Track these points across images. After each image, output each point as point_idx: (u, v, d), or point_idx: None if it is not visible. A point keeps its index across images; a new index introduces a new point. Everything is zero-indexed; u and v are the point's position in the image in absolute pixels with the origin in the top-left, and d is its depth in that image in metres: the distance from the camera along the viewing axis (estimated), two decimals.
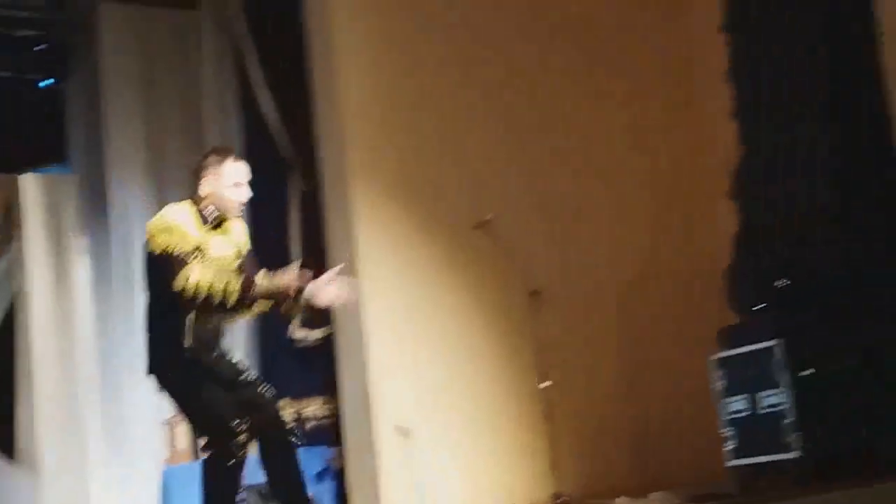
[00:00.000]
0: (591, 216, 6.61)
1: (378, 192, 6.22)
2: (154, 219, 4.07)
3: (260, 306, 4.08)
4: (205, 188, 4.11)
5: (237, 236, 4.22)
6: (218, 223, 4.13)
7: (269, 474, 4.12)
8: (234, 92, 7.10)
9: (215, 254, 4.04)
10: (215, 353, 4.08)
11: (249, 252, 4.25)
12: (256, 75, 6.77)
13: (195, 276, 3.87)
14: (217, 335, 4.09)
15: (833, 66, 5.26)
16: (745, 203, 5.56)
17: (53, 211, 7.33)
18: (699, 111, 6.77)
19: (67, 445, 6.99)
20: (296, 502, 4.10)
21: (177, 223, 3.98)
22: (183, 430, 6.38)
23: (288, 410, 6.64)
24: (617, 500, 4.84)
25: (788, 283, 5.12)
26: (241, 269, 4.10)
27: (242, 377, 4.10)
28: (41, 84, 7.44)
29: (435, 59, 6.43)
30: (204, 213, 4.09)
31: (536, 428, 5.33)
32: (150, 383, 6.72)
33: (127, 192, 7.02)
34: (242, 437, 3.90)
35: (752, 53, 5.59)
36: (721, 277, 5.54)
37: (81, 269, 7.20)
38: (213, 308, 3.93)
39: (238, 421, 3.90)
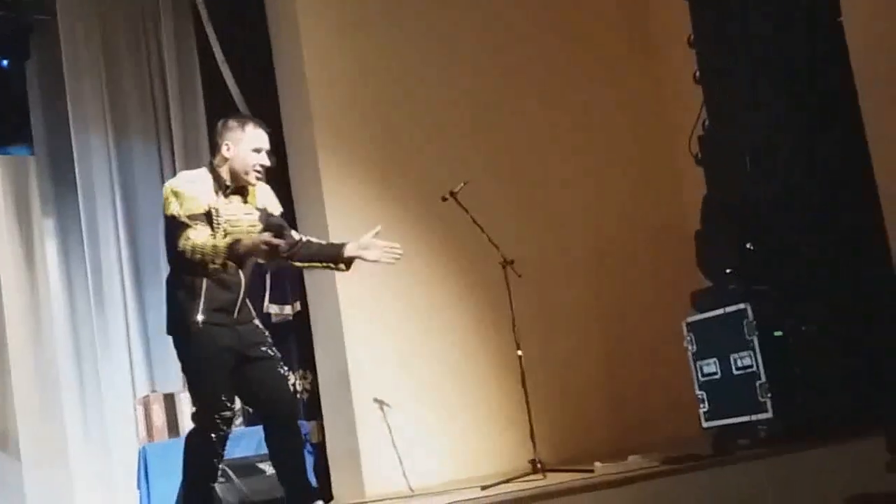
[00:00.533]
0: (561, 184, 6.65)
1: (346, 166, 6.21)
2: (167, 183, 4.16)
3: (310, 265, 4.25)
4: (224, 154, 4.12)
5: (261, 201, 4.23)
6: (238, 189, 4.13)
7: (271, 454, 4.23)
8: (198, 69, 7.02)
9: (231, 218, 4.07)
10: (233, 321, 4.08)
11: (280, 215, 4.30)
12: (219, 53, 6.70)
13: (192, 238, 3.95)
14: (235, 302, 4.08)
15: (798, 30, 5.30)
16: (712, 167, 5.61)
17: (18, 193, 7.23)
18: (665, 77, 6.81)
19: (45, 427, 6.96)
20: (296, 482, 4.15)
21: (184, 188, 4.04)
22: (159, 408, 6.37)
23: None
24: (595, 464, 4.91)
25: (757, 246, 5.19)
26: (273, 232, 4.12)
27: (260, 351, 4.10)
28: (1, 64, 7.30)
29: (402, 31, 6.41)
30: (221, 178, 4.10)
31: (514, 397, 5.38)
32: (123, 362, 6.79)
33: (92, 172, 6.93)
34: (227, 414, 3.97)
35: (716, 18, 5.61)
36: (693, 241, 5.60)
37: (49, 250, 7.13)
38: (208, 267, 3.98)
39: (227, 397, 3.96)
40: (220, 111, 6.91)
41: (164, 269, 7.04)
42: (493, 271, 5.44)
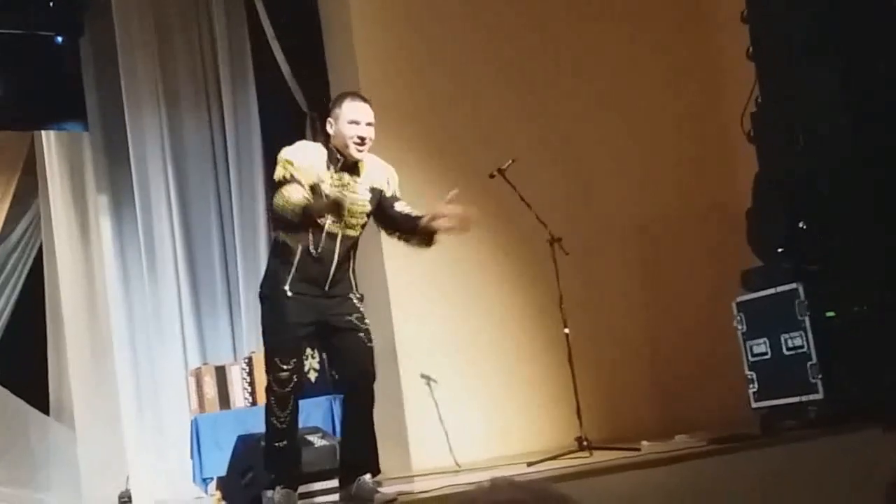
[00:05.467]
0: (610, 162, 6.60)
1: (394, 144, 6.21)
2: (283, 150, 4.20)
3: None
4: (329, 130, 4.22)
5: (375, 180, 4.26)
6: (350, 166, 4.17)
7: (343, 425, 4.38)
8: (249, 46, 7.07)
9: (332, 193, 4.10)
10: (323, 293, 4.14)
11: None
12: (269, 29, 6.74)
13: (286, 194, 4.01)
14: (326, 275, 4.14)
15: (853, 5, 5.19)
16: (765, 145, 5.53)
17: (73, 168, 7.37)
18: (717, 53, 6.71)
19: (99, 398, 7.12)
20: (359, 457, 4.24)
21: (296, 157, 4.11)
22: (211, 380, 6.48)
23: (313, 360, 6.75)
24: (642, 443, 4.90)
25: (810, 225, 5.11)
26: (389, 212, 4.22)
27: (344, 321, 4.16)
28: (57, 41, 7.42)
29: (448, 9, 6.38)
30: (332, 153, 4.17)
31: (561, 374, 5.38)
32: (176, 335, 6.90)
33: (145, 148, 7.03)
34: (284, 375, 4.06)
35: None
36: (744, 220, 5.54)
37: (103, 225, 7.26)
38: (305, 239, 4.05)
39: (286, 360, 4.04)
40: (270, 88, 7.00)
41: (216, 245, 7.22)
42: (540, 248, 5.43)
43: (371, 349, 4.23)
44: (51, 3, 7.25)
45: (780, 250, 5.20)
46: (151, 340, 7.03)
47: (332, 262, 4.15)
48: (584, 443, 5.00)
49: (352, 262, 4.27)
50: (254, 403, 6.41)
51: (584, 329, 5.71)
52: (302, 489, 5.05)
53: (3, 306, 7.33)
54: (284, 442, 4.16)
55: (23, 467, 6.97)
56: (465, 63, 6.37)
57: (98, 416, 7.11)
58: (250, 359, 6.53)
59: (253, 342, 6.84)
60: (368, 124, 4.20)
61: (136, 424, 6.95)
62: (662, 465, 4.19)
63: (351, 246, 4.24)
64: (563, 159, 6.49)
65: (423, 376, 5.97)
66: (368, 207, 4.25)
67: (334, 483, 5.36)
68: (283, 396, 4.09)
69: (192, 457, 6.18)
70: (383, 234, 6.06)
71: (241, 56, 7.11)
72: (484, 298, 6.20)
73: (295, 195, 4.00)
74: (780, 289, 5.06)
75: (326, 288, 4.16)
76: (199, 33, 7.20)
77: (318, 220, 4.07)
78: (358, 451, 4.27)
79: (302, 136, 7.10)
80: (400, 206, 4.32)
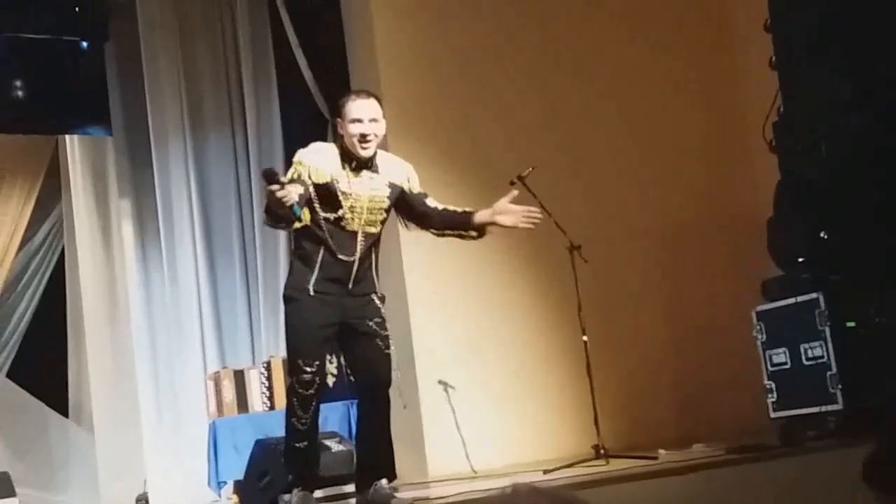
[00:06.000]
0: (629, 169, 6.60)
1: (414, 149, 6.23)
2: (298, 152, 4.22)
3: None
4: (340, 130, 4.22)
5: (394, 176, 4.25)
6: (365, 164, 4.17)
7: (358, 429, 4.37)
8: (272, 52, 7.11)
9: (349, 191, 4.11)
10: (346, 293, 4.13)
11: (420, 194, 4.28)
12: (292, 33, 6.78)
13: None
14: (349, 274, 4.13)
15: (877, 15, 5.17)
16: (786, 155, 5.50)
17: (96, 173, 7.43)
18: (738, 61, 6.69)
19: (118, 401, 7.17)
20: (374, 462, 4.24)
21: (308, 158, 4.13)
22: (229, 384, 6.51)
23: (331, 365, 6.76)
24: (659, 451, 4.87)
25: (831, 234, 5.08)
26: (420, 208, 4.23)
27: (366, 325, 4.15)
28: (82, 46, 7.49)
29: (469, 15, 6.40)
30: (345, 153, 4.17)
31: (578, 381, 5.37)
32: (195, 338, 6.93)
33: (168, 153, 7.08)
34: (307, 377, 4.05)
35: (793, 2, 5.50)
36: (764, 229, 5.52)
37: (125, 229, 7.31)
38: (327, 239, 4.06)
39: (309, 362, 4.04)
40: (293, 93, 7.04)
41: (237, 250, 7.26)
42: (559, 256, 5.42)
43: (389, 356, 4.22)
44: (76, 9, 7.32)
45: (800, 260, 5.18)
46: (171, 344, 7.06)
47: (353, 260, 4.15)
48: (601, 451, 4.98)
49: (374, 259, 4.26)
50: (272, 408, 6.43)
51: (602, 337, 5.69)
52: (318, 494, 5.07)
53: (24, 309, 7.40)
54: (305, 443, 4.17)
55: (42, 469, 7.03)
56: (486, 69, 6.39)
57: (117, 419, 7.15)
58: (269, 363, 6.55)
59: (272, 347, 6.87)
60: (372, 120, 4.17)
61: (155, 427, 6.98)
62: (680, 475, 4.16)
63: (372, 243, 4.23)
64: (583, 167, 6.49)
65: (440, 382, 5.98)
66: (387, 203, 4.24)
67: (351, 488, 5.38)
68: (305, 398, 4.09)
69: (208, 460, 6.20)
70: (402, 239, 6.13)
71: (264, 61, 7.15)
72: (502, 305, 6.20)
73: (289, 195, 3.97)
74: (800, 298, 5.03)
75: (350, 286, 4.15)
76: (223, 39, 7.25)
77: (291, 216, 3.98)
78: (373, 456, 4.27)
79: (323, 141, 7.16)
80: (432, 202, 4.33)
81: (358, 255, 4.16)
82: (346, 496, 4.94)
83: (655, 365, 6.37)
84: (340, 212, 4.12)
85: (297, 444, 4.17)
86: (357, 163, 4.18)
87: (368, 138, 4.15)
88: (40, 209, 7.46)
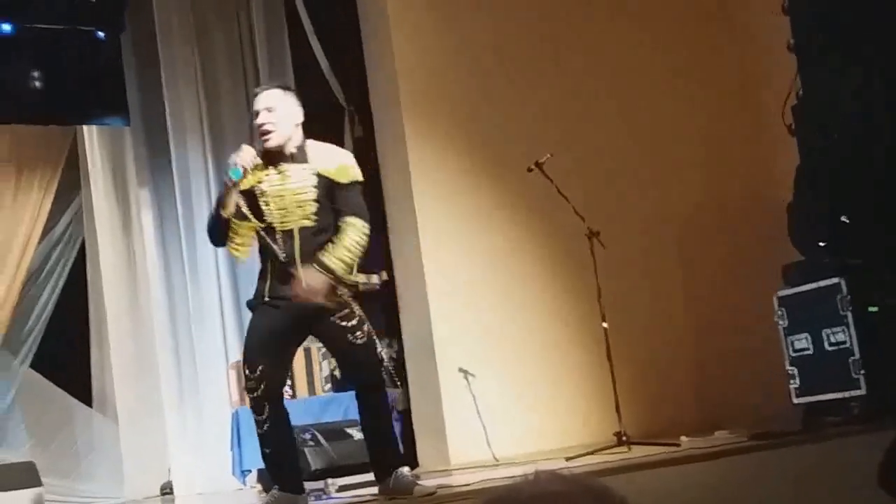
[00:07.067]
0: (646, 155, 6.57)
1: (432, 136, 6.24)
2: None
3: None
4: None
5: (321, 165, 4.09)
6: (290, 156, 4.06)
7: (361, 426, 4.40)
8: (287, 40, 7.11)
9: (268, 189, 4.06)
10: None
11: (353, 183, 4.12)
12: (307, 22, 6.78)
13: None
14: (298, 273, 4.06)
15: None
16: (806, 139, 5.47)
17: (115, 163, 7.46)
18: (756, 44, 6.64)
19: (141, 390, 7.22)
20: (376, 448, 4.25)
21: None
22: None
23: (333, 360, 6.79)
24: (681, 438, 4.87)
25: (852, 219, 5.05)
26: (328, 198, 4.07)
27: (328, 321, 4.08)
28: (98, 36, 7.50)
29: (488, 5, 6.38)
30: (264, 152, 4.10)
31: (599, 368, 5.37)
32: (216, 328, 6.96)
33: (186, 143, 7.10)
34: (250, 384, 4.05)
35: None
36: (784, 214, 5.49)
37: (145, 219, 7.35)
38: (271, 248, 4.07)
39: (252, 367, 4.03)
40: (308, 81, 7.03)
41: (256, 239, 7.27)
42: (577, 242, 5.41)
43: (363, 345, 4.12)
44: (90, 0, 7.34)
45: (821, 244, 5.15)
46: (192, 333, 7.10)
47: (298, 260, 4.03)
48: (623, 438, 4.99)
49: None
50: (293, 396, 6.47)
51: (622, 323, 5.68)
52: (344, 481, 5.11)
53: (46, 300, 7.44)
54: (268, 449, 4.13)
55: (67, 458, 7.10)
56: (502, 53, 6.36)
57: (140, 408, 7.21)
58: None
59: None
60: (267, 110, 4.06)
61: (178, 417, 7.03)
62: (702, 461, 4.16)
63: (314, 234, 4.07)
64: (601, 152, 6.46)
65: (460, 370, 5.99)
66: (312, 193, 4.07)
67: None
68: (254, 401, 4.07)
69: (231, 449, 6.25)
70: (420, 226, 6.13)
71: (280, 49, 7.15)
72: (521, 292, 6.20)
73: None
74: (822, 283, 5.01)
75: (304, 286, 4.02)
76: (238, 28, 7.25)
77: (231, 216, 4.05)
78: (377, 448, 4.26)
79: (339, 131, 7.16)
80: (349, 219, 4.08)
81: (300, 254, 4.03)
82: (369, 484, 4.96)
83: (676, 351, 6.36)
84: (267, 215, 4.05)
85: (263, 449, 4.16)
86: (273, 157, 4.05)
87: (264, 128, 4.05)
88: (60, 200, 7.50)
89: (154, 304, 7.21)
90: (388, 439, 4.31)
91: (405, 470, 4.24)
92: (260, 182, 4.06)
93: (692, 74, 6.68)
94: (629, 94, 6.56)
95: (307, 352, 6.65)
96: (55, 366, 7.26)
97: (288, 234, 4.06)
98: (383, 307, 6.59)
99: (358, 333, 4.12)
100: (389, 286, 6.52)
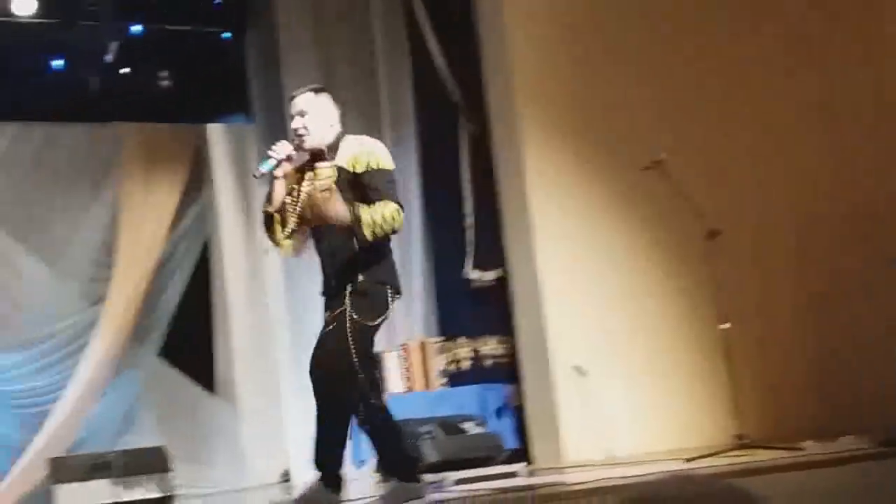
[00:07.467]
0: (765, 154, 6.45)
1: (548, 134, 6.25)
2: None
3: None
4: None
5: (342, 159, 4.08)
6: (318, 156, 4.11)
7: (376, 454, 4.53)
8: (405, 40, 7.22)
9: (302, 188, 4.13)
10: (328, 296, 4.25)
11: (373, 171, 4.05)
12: (425, 21, 6.87)
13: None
14: (327, 277, 4.22)
15: None
16: None
17: (239, 161, 7.69)
18: (886, 53, 6.42)
19: (262, 378, 7.44)
20: (383, 457, 4.39)
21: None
22: None
23: (465, 349, 6.87)
24: (804, 443, 4.78)
25: None
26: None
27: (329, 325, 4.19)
28: (223, 37, 7.75)
29: (603, 2, 6.35)
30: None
31: (716, 369, 5.31)
32: None
33: None
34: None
35: None
36: None
37: None
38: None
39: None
40: (428, 83, 7.13)
41: None
42: (694, 242, 5.35)
43: (378, 393, 4.35)
44: (218, 2, 7.59)
45: None
46: (310, 326, 7.27)
47: (327, 263, 4.17)
48: (744, 440, 4.91)
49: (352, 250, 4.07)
50: (409, 389, 6.59)
51: (740, 323, 5.60)
52: (461, 475, 5.20)
53: (174, 292, 7.72)
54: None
55: (193, 444, 7.36)
56: (620, 55, 6.33)
57: (261, 397, 7.43)
58: (405, 346, 6.71)
59: (406, 330, 7.02)
60: (300, 114, 4.11)
61: (297, 406, 7.22)
62: (827, 467, 4.08)
63: (335, 243, 4.11)
64: (719, 151, 6.37)
65: (574, 367, 5.99)
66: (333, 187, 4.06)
67: (491, 470, 5.49)
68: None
69: (349, 438, 6.38)
70: (535, 224, 6.15)
71: (399, 50, 7.26)
72: (637, 291, 6.17)
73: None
74: None
75: (332, 284, 4.17)
76: (358, 29, 7.38)
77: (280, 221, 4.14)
78: (385, 456, 4.40)
79: (454, 129, 7.22)
80: (364, 191, 4.06)
81: (326, 251, 4.15)
82: (485, 478, 5.03)
83: (799, 353, 6.23)
84: (304, 213, 4.09)
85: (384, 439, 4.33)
86: (315, 158, 4.11)
87: (298, 132, 4.11)
88: (186, 197, 7.76)
89: (274, 295, 7.42)
90: (386, 441, 4.35)
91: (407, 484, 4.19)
92: (299, 183, 4.15)
93: (819, 73, 6.50)
94: (755, 98, 6.44)
95: (423, 346, 6.76)
96: (182, 354, 7.54)
97: (318, 230, 4.15)
98: (497, 303, 6.65)
99: (338, 334, 4.19)
100: (502, 283, 6.57)
